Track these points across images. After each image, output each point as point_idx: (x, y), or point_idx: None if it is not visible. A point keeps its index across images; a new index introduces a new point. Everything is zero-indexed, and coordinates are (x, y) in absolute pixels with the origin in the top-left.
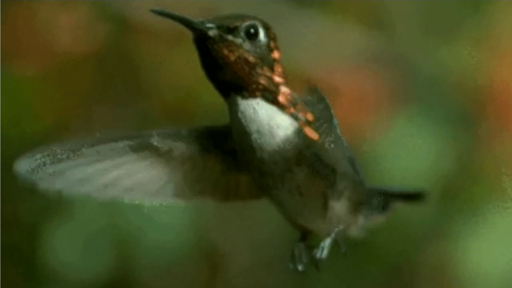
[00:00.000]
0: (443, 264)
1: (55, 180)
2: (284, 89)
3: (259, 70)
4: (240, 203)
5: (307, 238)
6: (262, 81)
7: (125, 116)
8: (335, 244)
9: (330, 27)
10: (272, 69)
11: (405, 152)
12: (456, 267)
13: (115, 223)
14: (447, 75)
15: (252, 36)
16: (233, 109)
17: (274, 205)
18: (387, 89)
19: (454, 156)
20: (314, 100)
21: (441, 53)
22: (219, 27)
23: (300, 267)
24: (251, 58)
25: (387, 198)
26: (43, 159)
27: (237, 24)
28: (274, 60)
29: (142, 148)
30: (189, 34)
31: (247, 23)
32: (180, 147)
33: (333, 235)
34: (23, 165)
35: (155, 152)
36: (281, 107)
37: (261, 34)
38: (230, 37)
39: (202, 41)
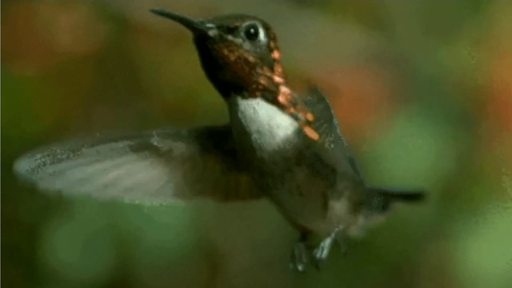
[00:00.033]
0: (443, 264)
1: (55, 180)
2: (284, 89)
3: (259, 70)
4: (240, 203)
5: (307, 238)
6: (262, 81)
7: (125, 116)
8: (335, 244)
9: (330, 27)
10: (272, 69)
11: (405, 152)
12: (456, 267)
13: (115, 223)
14: (447, 75)
15: (252, 36)
16: (233, 109)
17: (274, 205)
18: (387, 89)
19: (454, 156)
20: (314, 100)
21: (441, 53)
22: (219, 27)
23: (300, 267)
24: (251, 58)
25: (387, 198)
26: (43, 159)
27: (237, 24)
28: (274, 60)
29: (142, 148)
30: (189, 34)
31: (247, 23)
32: (180, 147)
33: (333, 235)
34: (23, 165)
35: (155, 152)
36: (281, 107)
37: (261, 34)
38: (230, 37)
39: (202, 41)
